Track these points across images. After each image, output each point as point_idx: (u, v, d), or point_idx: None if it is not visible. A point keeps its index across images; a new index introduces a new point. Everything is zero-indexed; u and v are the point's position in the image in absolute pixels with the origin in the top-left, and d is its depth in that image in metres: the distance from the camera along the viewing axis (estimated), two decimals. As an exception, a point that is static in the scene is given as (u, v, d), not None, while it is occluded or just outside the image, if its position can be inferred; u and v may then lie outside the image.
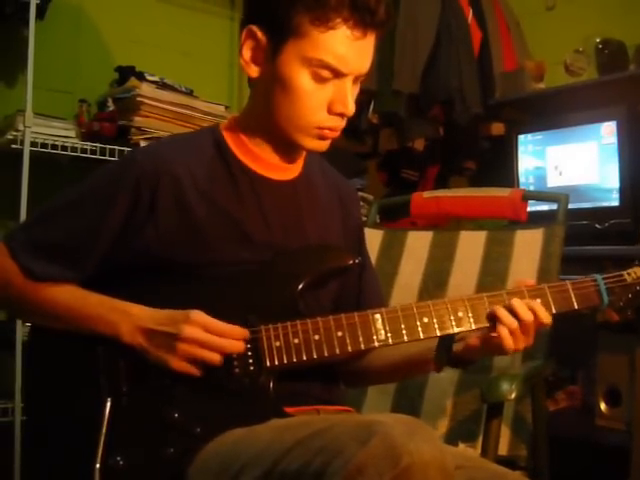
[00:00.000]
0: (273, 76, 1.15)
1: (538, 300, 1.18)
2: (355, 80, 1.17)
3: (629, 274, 1.23)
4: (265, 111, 1.19)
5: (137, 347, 1.13)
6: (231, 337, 1.12)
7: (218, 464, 1.06)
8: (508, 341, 1.15)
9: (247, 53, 1.17)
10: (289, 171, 1.27)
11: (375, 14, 1.11)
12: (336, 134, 1.20)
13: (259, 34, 1.15)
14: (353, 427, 0.94)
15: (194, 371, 1.11)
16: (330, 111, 1.15)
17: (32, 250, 1.18)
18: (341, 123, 1.18)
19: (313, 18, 1.10)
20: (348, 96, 1.15)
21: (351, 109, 1.16)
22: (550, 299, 1.19)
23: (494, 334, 1.16)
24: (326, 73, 1.13)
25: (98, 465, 1.09)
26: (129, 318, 1.13)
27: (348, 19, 1.10)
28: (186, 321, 1.10)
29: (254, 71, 1.17)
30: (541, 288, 1.20)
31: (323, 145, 1.21)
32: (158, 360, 1.12)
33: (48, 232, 1.19)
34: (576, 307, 1.20)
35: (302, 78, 1.13)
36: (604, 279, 1.22)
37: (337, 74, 1.13)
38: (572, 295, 1.20)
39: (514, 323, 1.15)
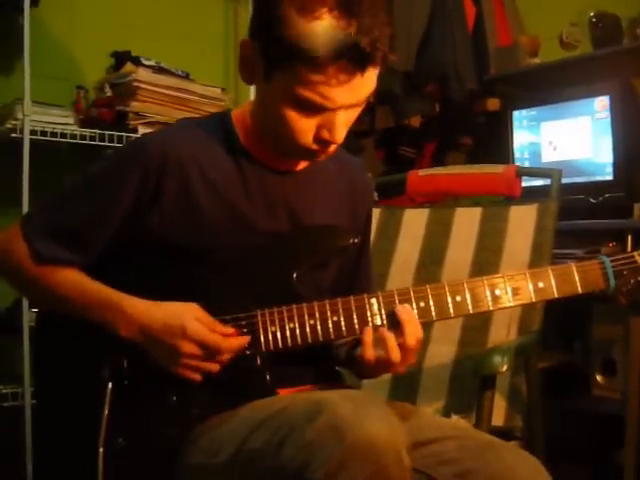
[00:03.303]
0: (264, 95, 1.14)
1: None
2: (352, 106, 1.10)
3: None
4: (262, 117, 1.18)
5: (134, 341, 1.15)
6: (228, 350, 1.13)
7: (204, 442, 1.11)
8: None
9: (244, 62, 1.13)
10: (299, 162, 1.25)
11: (369, 56, 1.03)
12: (327, 155, 1.17)
13: (257, 51, 1.09)
14: (305, 405, 0.97)
15: (194, 377, 1.13)
16: (317, 136, 1.11)
17: (44, 233, 1.20)
18: (329, 148, 1.14)
19: (303, 58, 1.03)
20: (336, 126, 1.09)
21: (338, 139, 1.11)
22: (553, 283, 1.15)
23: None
24: (313, 109, 1.08)
25: (101, 449, 1.13)
26: (124, 316, 1.15)
27: (342, 68, 1.03)
28: (183, 336, 1.11)
29: (248, 80, 1.15)
30: (544, 271, 1.16)
31: (316, 160, 1.19)
32: (158, 361, 1.14)
33: (61, 216, 1.21)
34: (580, 291, 1.15)
35: (288, 109, 1.09)
36: (612, 261, 1.16)
37: (325, 110, 1.08)
38: (577, 279, 1.15)
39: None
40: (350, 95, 1.07)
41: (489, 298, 1.15)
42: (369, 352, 1.13)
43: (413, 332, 1.12)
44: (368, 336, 1.13)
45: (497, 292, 1.15)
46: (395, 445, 0.92)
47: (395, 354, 1.12)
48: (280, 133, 1.13)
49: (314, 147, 1.13)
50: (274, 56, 1.06)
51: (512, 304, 1.16)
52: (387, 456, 0.91)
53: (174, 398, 1.15)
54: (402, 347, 1.12)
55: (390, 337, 1.12)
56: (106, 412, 1.15)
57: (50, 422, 1.26)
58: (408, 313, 1.13)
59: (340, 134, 1.11)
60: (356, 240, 1.24)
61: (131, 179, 1.17)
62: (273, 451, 0.97)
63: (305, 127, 1.10)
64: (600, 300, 2.39)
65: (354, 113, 1.12)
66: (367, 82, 1.07)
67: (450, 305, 1.15)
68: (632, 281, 1.16)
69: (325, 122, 1.09)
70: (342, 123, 1.10)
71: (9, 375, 2.29)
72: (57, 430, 1.24)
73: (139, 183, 1.17)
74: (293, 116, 1.09)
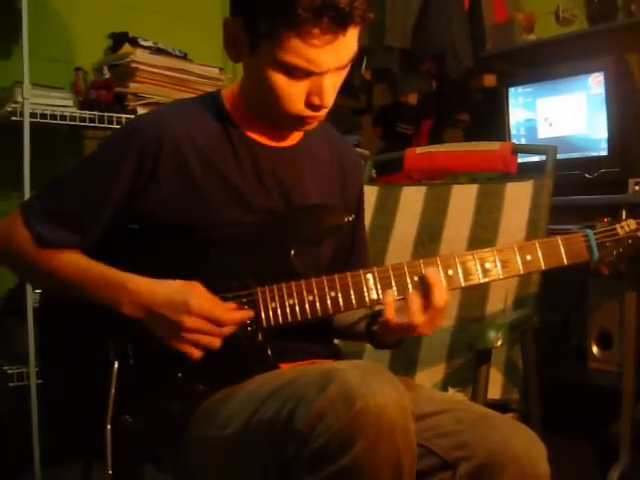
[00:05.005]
0: (252, 69, 1.18)
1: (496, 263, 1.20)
2: (338, 69, 1.15)
3: (622, 227, 1.23)
4: (251, 92, 1.23)
5: (138, 319, 1.17)
6: (231, 322, 1.16)
7: (212, 416, 1.14)
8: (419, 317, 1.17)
9: (229, 40, 1.18)
10: (289, 138, 1.29)
11: (349, 15, 1.08)
12: (318, 120, 1.21)
13: (240, 28, 1.14)
14: (316, 375, 1.00)
15: (195, 352, 1.16)
16: (307, 102, 1.16)
17: (44, 218, 1.23)
18: (320, 113, 1.19)
19: (286, 23, 1.08)
20: (325, 90, 1.14)
21: (328, 102, 1.16)
22: (540, 255, 1.20)
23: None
24: (300, 73, 1.12)
25: (109, 427, 1.16)
26: (127, 294, 1.17)
27: (324, 28, 1.07)
28: (187, 311, 1.14)
29: (235, 57, 1.19)
30: (531, 244, 1.21)
31: (307, 128, 1.23)
32: (161, 337, 1.17)
33: (59, 200, 1.24)
34: (566, 263, 1.21)
35: (276, 77, 1.13)
36: (595, 234, 1.22)
37: (312, 74, 1.13)
38: (562, 251, 1.21)
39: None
40: (334, 57, 1.12)
41: (479, 271, 1.20)
42: (390, 312, 1.17)
43: (441, 294, 1.16)
44: (389, 297, 1.17)
45: (487, 265, 1.20)
46: (403, 411, 0.95)
47: (418, 316, 1.16)
48: (271, 104, 1.17)
49: (306, 113, 1.17)
50: (257, 27, 1.10)
51: (502, 276, 1.21)
52: (394, 422, 0.94)
53: (179, 375, 1.18)
54: (431, 308, 1.16)
55: (415, 300, 1.16)
56: (113, 391, 1.17)
57: (57, 401, 1.29)
58: (436, 276, 1.17)
59: (329, 98, 1.16)
60: (350, 218, 1.27)
61: (127, 162, 1.20)
62: (284, 420, 0.99)
63: (294, 94, 1.15)
64: (595, 275, 2.43)
65: (340, 76, 1.17)
66: (349, 43, 1.12)
67: (443, 279, 1.19)
68: (615, 252, 1.22)
69: (313, 87, 1.15)
70: (330, 87, 1.15)
71: (14, 356, 2.31)
72: (64, 408, 1.27)
73: (135, 165, 1.20)
74: (282, 84, 1.14)
